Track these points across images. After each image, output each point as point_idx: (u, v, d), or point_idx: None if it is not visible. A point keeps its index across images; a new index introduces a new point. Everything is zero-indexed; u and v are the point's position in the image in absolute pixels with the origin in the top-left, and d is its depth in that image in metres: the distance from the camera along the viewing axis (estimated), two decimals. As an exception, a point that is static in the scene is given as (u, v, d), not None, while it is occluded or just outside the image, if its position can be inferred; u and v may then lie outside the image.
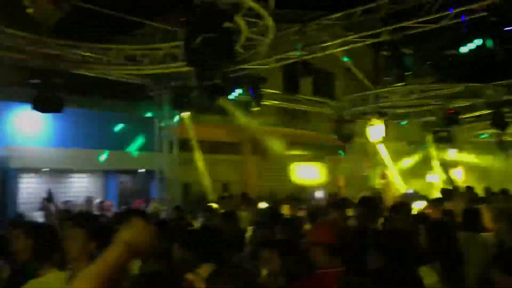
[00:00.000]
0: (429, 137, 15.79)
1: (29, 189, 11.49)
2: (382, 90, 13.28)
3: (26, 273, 4.40)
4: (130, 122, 12.93)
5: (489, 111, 12.73)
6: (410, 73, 9.37)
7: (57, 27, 6.60)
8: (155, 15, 11.86)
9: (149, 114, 12.69)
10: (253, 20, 6.79)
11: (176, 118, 12.36)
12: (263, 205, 9.07)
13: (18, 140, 11.05)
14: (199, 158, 14.91)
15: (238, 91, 8.49)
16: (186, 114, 11.35)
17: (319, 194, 11.75)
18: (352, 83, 18.83)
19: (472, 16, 8.12)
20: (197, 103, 12.29)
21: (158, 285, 2.34)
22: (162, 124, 12.48)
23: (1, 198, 10.81)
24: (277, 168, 17.43)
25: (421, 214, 6.60)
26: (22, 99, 8.53)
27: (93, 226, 3.70)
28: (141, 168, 13.70)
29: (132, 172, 13.91)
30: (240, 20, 6.08)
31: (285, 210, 9.40)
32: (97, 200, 11.40)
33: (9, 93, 10.60)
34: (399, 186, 16.75)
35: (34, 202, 10.81)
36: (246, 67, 9.62)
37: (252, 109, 10.66)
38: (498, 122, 12.66)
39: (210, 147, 15.53)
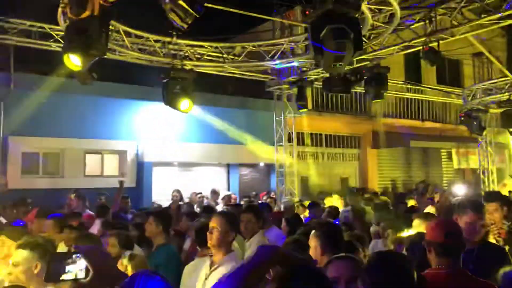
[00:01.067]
0: None
1: (161, 181, 12.47)
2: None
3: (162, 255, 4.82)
4: (250, 117, 13.36)
5: None
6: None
7: (185, 29, 7.01)
8: (273, 11, 12.11)
9: (268, 109, 12.97)
10: (379, 7, 6.56)
11: (295, 112, 12.44)
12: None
13: (152, 135, 12.04)
14: (317, 151, 14.93)
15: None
16: (304, 109, 11.37)
17: (458, 188, 10.95)
18: (482, 70, 17.39)
19: None
20: (316, 97, 12.29)
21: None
22: (281, 119, 12.65)
23: (137, 190, 11.88)
24: (399, 160, 16.79)
25: None
26: (156, 98, 9.22)
27: (232, 218, 3.95)
28: (261, 162, 14.09)
29: (253, 166, 14.38)
30: (365, 8, 5.90)
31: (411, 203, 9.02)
32: (222, 192, 11.96)
33: (143, 92, 11.61)
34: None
35: (166, 193, 11.68)
36: (371, 57, 9.31)
37: (374, 100, 10.28)
38: None
39: (329, 141, 15.45)
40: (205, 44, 9.19)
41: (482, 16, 8.54)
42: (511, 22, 8.73)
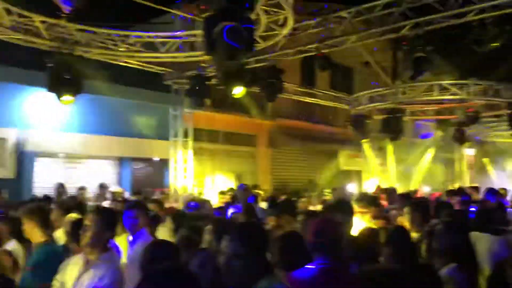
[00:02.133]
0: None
1: (44, 173, 11.62)
2: (401, 86, 13.10)
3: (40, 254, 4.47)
4: (146, 110, 12.98)
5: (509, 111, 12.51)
6: (430, 70, 9.22)
7: (76, 12, 6.60)
8: (174, 3, 11.88)
9: (165, 103, 12.70)
10: (274, 10, 6.71)
11: (192, 108, 12.33)
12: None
13: (34, 124, 11.16)
14: (213, 148, 14.95)
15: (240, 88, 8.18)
16: (201, 104, 11.33)
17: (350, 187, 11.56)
18: (370, 78, 18.64)
19: (497, 13, 7.93)
20: (213, 93, 12.28)
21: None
22: (178, 113, 12.47)
23: (16, 182, 10.95)
24: (291, 160, 17.40)
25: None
26: (39, 83, 8.56)
27: (109, 216, 3.75)
28: (155, 157, 13.76)
29: (147, 160, 13.99)
30: (260, 10, 6.00)
31: (302, 204, 9.35)
32: (111, 187, 11.47)
33: (26, 76, 10.71)
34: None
35: (48, 186, 10.90)
36: (265, 58, 9.52)
37: (269, 101, 10.55)
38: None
39: (225, 138, 15.55)
40: (97, 30, 8.73)
41: (369, 28, 9.19)
42: (395, 35, 9.50)
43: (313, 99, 15.42)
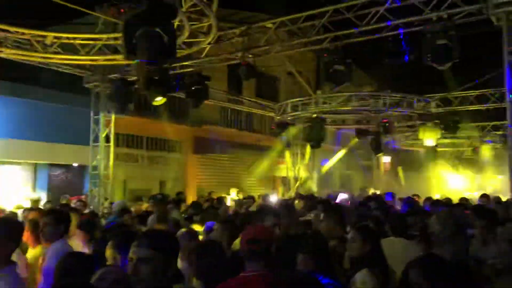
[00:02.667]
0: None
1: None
2: (322, 96, 13.62)
3: None
4: (64, 114, 12.40)
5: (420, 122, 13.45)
6: (349, 81, 9.66)
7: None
8: (97, 5, 11.48)
9: (85, 107, 12.21)
10: (197, 17, 6.72)
11: (114, 112, 11.97)
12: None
13: None
14: (137, 154, 14.59)
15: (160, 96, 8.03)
16: (124, 109, 11.03)
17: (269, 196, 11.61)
18: (295, 87, 19.18)
19: (409, 30, 8.49)
20: (137, 98, 12.01)
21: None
22: (99, 117, 12.04)
23: None
24: (217, 167, 17.40)
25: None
26: None
27: (10, 227, 3.51)
28: (74, 162, 13.19)
29: (65, 166, 13.36)
30: (183, 16, 5.99)
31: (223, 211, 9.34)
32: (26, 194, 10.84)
33: None
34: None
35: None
36: (189, 64, 9.50)
37: (195, 107, 10.49)
38: (425, 133, 13.38)
39: (150, 144, 15.26)
40: (11, 28, 8.23)
41: (293, 38, 9.49)
42: (316, 47, 9.87)
43: (239, 106, 15.57)
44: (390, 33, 8.65)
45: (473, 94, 13.75)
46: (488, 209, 6.28)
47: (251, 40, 9.48)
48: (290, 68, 12.85)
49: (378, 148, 14.16)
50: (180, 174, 16.05)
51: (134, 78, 10.53)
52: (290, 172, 16.74)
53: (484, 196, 10.27)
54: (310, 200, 9.02)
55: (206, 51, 9.63)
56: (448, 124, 13.82)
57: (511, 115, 7.25)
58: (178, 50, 8.38)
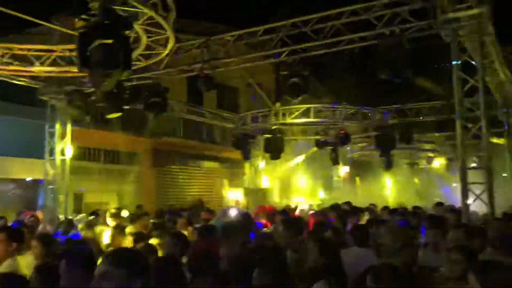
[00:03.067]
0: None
1: None
2: (281, 108, 13.79)
3: None
4: (17, 126, 11.99)
5: (376, 133, 13.83)
6: (307, 93, 9.83)
7: None
8: (52, 15, 11.21)
9: (39, 119, 11.85)
10: (155, 30, 6.69)
11: (70, 124, 11.68)
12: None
13: None
14: (94, 167, 14.25)
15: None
16: (81, 121, 10.79)
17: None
18: (255, 99, 19.31)
19: (363, 44, 8.76)
20: (94, 110, 11.76)
21: None
22: (54, 130, 11.72)
23: None
24: (177, 179, 17.22)
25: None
26: None
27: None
28: (27, 177, 12.74)
29: (17, 181, 12.88)
30: (140, 29, 5.95)
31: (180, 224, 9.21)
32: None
33: None
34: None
35: None
36: (148, 75, 9.42)
37: (153, 118, 10.39)
38: (381, 144, 13.77)
39: (107, 156, 14.94)
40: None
41: (251, 51, 9.59)
42: (275, 60, 10.03)
43: (199, 117, 15.51)
44: (345, 47, 8.89)
45: (426, 106, 14.28)
46: (440, 218, 6.53)
47: (210, 52, 9.50)
48: (249, 80, 12.98)
49: (336, 158, 14.43)
50: (139, 187, 15.77)
51: (91, 90, 10.35)
52: (251, 184, 16.78)
53: (438, 204, 10.61)
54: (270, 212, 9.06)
55: (164, 63, 9.58)
56: (403, 135, 14.29)
57: (460, 126, 7.57)
58: (136, 62, 8.35)
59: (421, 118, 14.44)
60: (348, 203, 11.94)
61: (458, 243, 4.28)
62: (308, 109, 12.82)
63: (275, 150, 13.28)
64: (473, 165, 7.86)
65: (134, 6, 5.76)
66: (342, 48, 8.94)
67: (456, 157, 7.70)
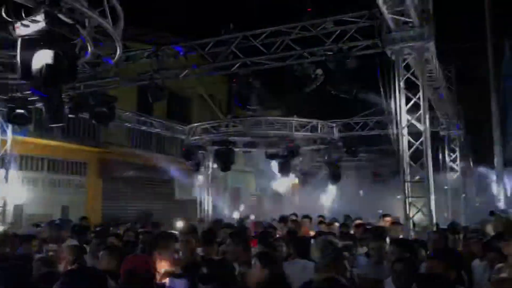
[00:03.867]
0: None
1: None
2: (232, 119, 13.80)
3: None
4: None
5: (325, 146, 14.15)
6: (258, 105, 9.92)
7: None
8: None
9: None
10: (102, 37, 6.55)
11: (10, 132, 11.21)
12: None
13: None
14: (36, 177, 13.69)
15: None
16: (23, 129, 10.37)
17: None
18: (207, 110, 19.24)
19: (313, 59, 8.95)
20: (38, 118, 11.33)
21: None
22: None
23: None
24: (124, 190, 16.79)
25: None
26: None
27: None
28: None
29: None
30: (86, 36, 5.80)
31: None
32: None
33: None
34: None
35: None
36: (95, 83, 9.18)
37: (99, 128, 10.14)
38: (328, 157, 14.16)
39: (51, 166, 14.39)
40: None
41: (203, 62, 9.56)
42: (226, 72, 10.04)
43: (148, 127, 15.25)
44: (295, 62, 9.04)
45: (373, 119, 14.74)
46: (382, 230, 6.73)
47: (161, 62, 9.39)
48: (200, 91, 12.95)
49: (286, 170, 14.57)
50: (85, 198, 15.28)
51: (35, 97, 9.96)
52: (202, 196, 16.65)
53: (384, 216, 10.92)
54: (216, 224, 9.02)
55: (113, 71, 9.37)
56: (350, 148, 14.68)
57: (402, 141, 7.85)
58: (82, 70, 8.12)
59: (367, 131, 14.95)
60: (295, 214, 12.11)
61: (401, 255, 4.44)
62: (258, 121, 12.91)
63: (225, 162, 13.25)
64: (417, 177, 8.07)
65: (81, 13, 5.61)
66: (292, 63, 9.08)
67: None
